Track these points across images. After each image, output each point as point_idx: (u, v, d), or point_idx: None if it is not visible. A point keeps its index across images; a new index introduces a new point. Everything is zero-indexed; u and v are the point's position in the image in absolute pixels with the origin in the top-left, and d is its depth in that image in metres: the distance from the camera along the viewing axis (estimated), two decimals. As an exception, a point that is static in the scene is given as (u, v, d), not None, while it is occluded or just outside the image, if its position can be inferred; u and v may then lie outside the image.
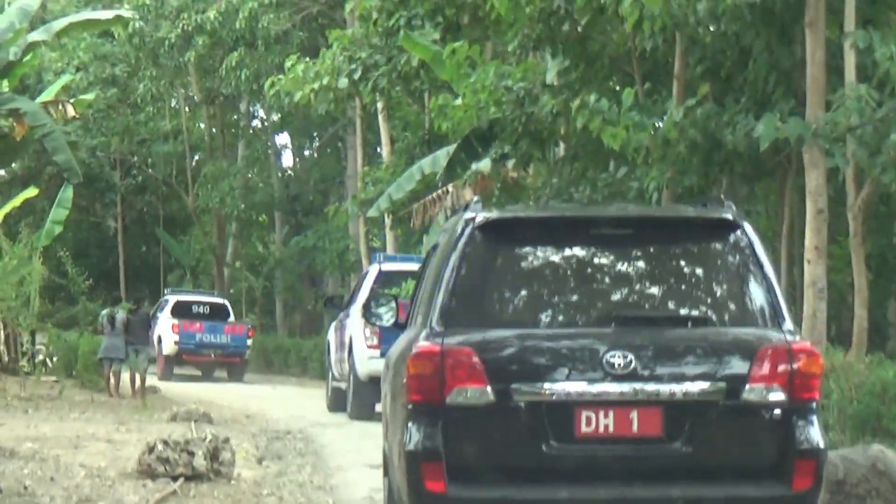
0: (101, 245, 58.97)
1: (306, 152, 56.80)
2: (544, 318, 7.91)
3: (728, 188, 23.63)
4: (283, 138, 55.54)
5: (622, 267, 8.18)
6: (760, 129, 16.21)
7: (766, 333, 7.77)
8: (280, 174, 51.84)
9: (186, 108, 51.93)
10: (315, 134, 53.58)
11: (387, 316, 9.82)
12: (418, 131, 34.45)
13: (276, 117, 51.22)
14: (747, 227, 8.11)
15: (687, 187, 20.95)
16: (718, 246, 8.12)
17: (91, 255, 59.60)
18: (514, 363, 7.65)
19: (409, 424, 7.65)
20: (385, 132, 36.27)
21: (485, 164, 25.54)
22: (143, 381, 26.99)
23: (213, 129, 50.34)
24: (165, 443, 12.80)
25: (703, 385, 7.56)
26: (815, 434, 7.64)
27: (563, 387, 7.51)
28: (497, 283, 7.97)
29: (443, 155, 26.19)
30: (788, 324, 7.81)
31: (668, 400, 7.54)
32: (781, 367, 7.59)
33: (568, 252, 8.17)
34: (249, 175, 49.95)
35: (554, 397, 7.49)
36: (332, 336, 24.84)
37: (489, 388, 7.49)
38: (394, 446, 8.21)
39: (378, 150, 41.12)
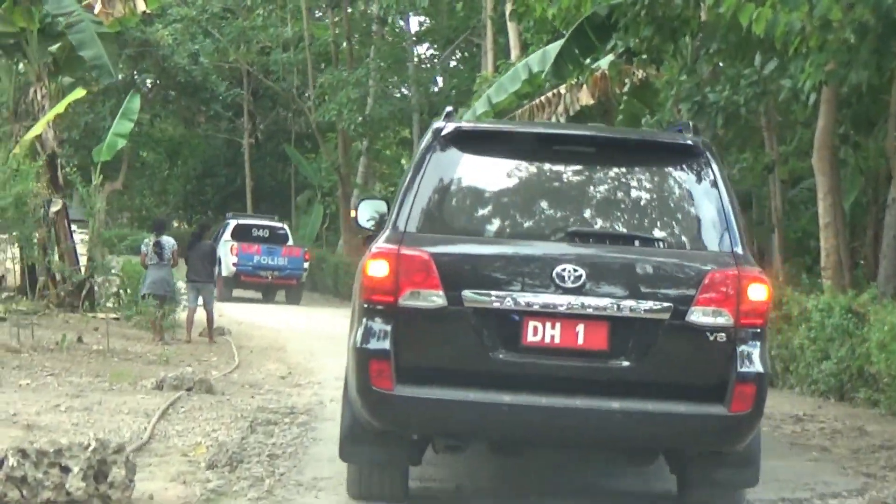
0: (231, 163, 55.32)
1: (452, 63, 51.91)
2: (501, 228, 8.17)
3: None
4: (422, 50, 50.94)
5: (581, 184, 8.37)
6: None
7: (717, 258, 7.97)
8: (417, 86, 46.79)
9: (319, 14, 47.42)
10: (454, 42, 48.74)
11: (370, 222, 9.39)
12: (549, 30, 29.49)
13: (416, 26, 46.75)
14: (710, 154, 8.37)
15: (854, 86, 15.90)
16: (679, 171, 8.35)
17: (218, 175, 56.28)
18: (468, 270, 7.93)
19: (362, 323, 7.87)
20: (513, 33, 31.67)
21: (606, 61, 20.73)
22: (210, 321, 23.02)
23: (334, 40, 45.69)
24: (23, 453, 8.48)
25: (650, 304, 7.80)
26: (757, 360, 7.83)
27: (513, 296, 7.78)
28: (458, 192, 8.27)
29: (553, 50, 21.21)
30: (741, 251, 8.02)
31: (615, 315, 7.78)
32: (729, 292, 7.82)
33: (530, 166, 8.41)
34: (386, 85, 45.28)
35: (503, 305, 7.76)
36: None
37: (441, 293, 7.76)
38: (349, 345, 8.20)
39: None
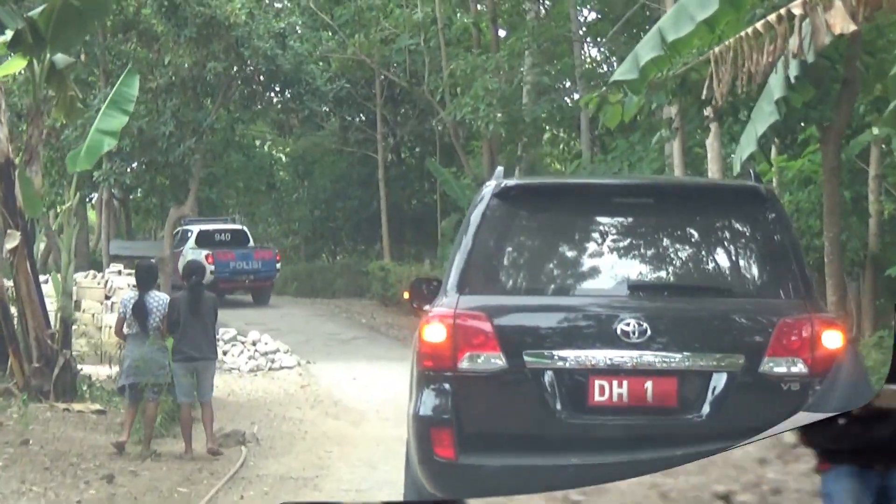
0: (366, 183, 46.43)
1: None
2: (560, 285, 7.89)
3: None
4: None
5: (641, 236, 8.15)
6: None
7: (787, 306, 7.64)
8: (585, 79, 36.71)
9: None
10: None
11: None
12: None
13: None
14: (774, 199, 8.12)
15: None
16: (743, 217, 8.04)
17: (351, 197, 47.59)
18: (528, 330, 7.62)
19: (421, 389, 7.59)
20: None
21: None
22: (209, 423, 14.32)
23: (475, 21, 36.13)
24: None
25: (720, 356, 7.42)
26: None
27: (577, 354, 7.45)
28: (514, 250, 8.08)
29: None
30: (812, 297, 7.71)
31: (684, 370, 7.41)
32: (802, 340, 7.45)
33: (588, 220, 8.15)
34: (543, 75, 35.72)
35: (567, 365, 7.45)
36: None
37: (501, 355, 7.44)
38: (409, 412, 7.85)
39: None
